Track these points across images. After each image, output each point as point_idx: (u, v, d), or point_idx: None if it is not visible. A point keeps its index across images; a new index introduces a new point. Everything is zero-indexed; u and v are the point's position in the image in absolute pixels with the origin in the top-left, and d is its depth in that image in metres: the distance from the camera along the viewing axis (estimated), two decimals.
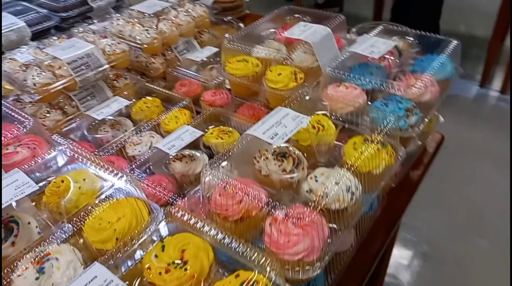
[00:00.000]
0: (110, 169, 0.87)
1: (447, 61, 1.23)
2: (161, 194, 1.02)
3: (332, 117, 1.08)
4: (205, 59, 1.61)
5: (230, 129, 1.27)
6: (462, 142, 3.02)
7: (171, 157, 1.14)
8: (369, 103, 1.13)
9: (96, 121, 1.34)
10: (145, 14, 1.67)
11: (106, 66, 1.38)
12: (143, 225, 0.77)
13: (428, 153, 1.42)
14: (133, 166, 1.14)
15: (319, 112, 1.07)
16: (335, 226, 0.83)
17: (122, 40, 1.53)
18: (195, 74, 1.55)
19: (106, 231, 0.76)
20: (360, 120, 1.07)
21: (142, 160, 1.16)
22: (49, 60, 1.33)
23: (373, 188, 0.93)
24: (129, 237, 0.73)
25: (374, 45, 1.22)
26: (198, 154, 1.19)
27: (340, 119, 1.08)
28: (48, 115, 1.29)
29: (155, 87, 1.46)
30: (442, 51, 1.26)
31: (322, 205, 0.82)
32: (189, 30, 1.68)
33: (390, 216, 1.18)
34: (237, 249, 0.71)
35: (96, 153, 1.19)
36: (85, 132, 1.31)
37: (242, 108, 1.38)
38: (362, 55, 1.22)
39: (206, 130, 1.30)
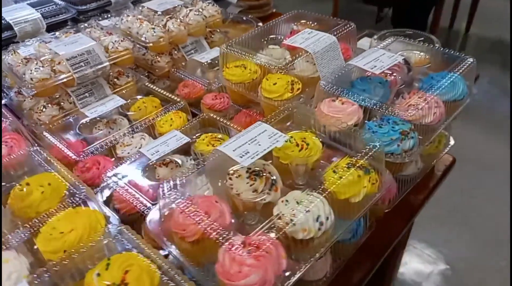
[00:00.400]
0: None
1: (459, 80, 1.12)
2: (134, 203, 0.99)
3: (322, 134, 1.01)
4: (209, 61, 1.57)
5: (222, 136, 1.23)
6: (489, 156, 2.83)
7: (153, 162, 1.11)
8: (367, 122, 1.05)
9: (92, 119, 1.34)
10: (156, 12, 1.65)
11: (106, 63, 1.37)
12: (94, 239, 0.74)
13: (435, 176, 1.31)
14: (115, 169, 1.12)
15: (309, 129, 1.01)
16: (299, 256, 0.77)
17: (129, 38, 1.52)
18: (195, 77, 1.51)
19: (56, 241, 0.74)
20: (352, 140, 0.99)
21: (126, 163, 1.14)
22: (50, 55, 1.33)
23: (351, 216, 0.86)
24: (73, 250, 0.71)
25: (379, 58, 1.14)
26: (184, 160, 1.16)
27: (330, 137, 1.01)
28: (44, 110, 1.30)
29: (154, 87, 1.44)
30: (455, 68, 1.15)
31: (287, 233, 0.76)
32: (199, 30, 1.65)
33: (379, 243, 1.10)
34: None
35: (84, 151, 1.19)
36: (77, 130, 1.31)
37: (239, 115, 1.33)
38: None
39: (197, 135, 1.27)
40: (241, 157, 0.82)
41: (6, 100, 1.42)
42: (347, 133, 0.93)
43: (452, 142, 1.26)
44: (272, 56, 1.31)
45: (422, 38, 1.43)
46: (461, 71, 1.14)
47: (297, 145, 0.93)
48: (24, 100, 1.35)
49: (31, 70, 1.26)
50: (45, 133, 1.19)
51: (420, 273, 2.33)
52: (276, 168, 0.89)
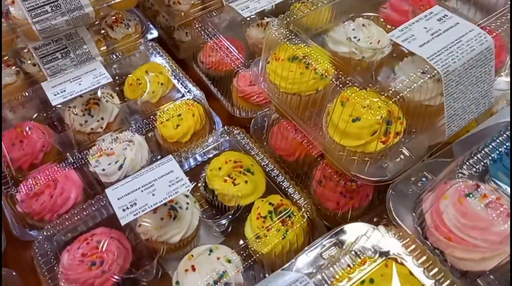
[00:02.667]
0: None
1: None
2: None
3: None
4: (254, 15, 0.98)
5: (252, 167, 0.76)
6: None
7: None
8: None
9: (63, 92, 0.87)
10: None
11: (89, 9, 0.85)
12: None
13: None
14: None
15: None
16: None
17: None
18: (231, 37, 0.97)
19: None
20: None
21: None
22: None
23: None
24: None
25: None
26: None
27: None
28: None
29: (163, 52, 0.93)
30: None
31: None
32: None
33: None
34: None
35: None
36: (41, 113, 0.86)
37: (280, 127, 0.82)
38: None
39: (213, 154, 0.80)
40: None
41: None
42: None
43: None
44: (360, 41, 0.74)
45: None
46: None
47: None
48: None
49: None
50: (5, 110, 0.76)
51: None
52: None
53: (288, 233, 0.66)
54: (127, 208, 0.65)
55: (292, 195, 0.73)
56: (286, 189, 0.74)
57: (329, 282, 0.48)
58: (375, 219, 0.72)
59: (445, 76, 0.59)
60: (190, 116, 0.86)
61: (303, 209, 0.69)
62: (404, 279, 0.48)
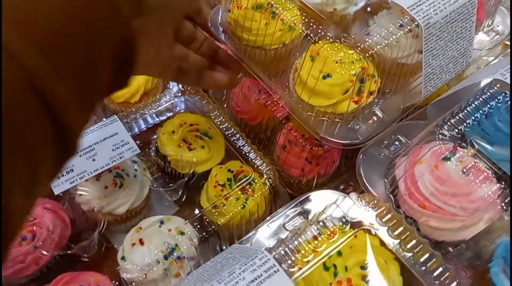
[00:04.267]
0: None
1: None
2: None
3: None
4: None
5: (210, 130, 0.68)
6: None
7: None
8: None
9: None
10: None
11: None
12: None
13: None
14: None
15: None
16: None
17: None
18: None
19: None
20: None
21: None
22: None
23: None
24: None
25: None
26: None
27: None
28: None
29: None
30: None
31: None
32: None
33: None
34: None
35: None
36: None
37: (241, 86, 0.74)
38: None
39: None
40: None
41: None
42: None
43: None
44: None
45: None
46: None
47: None
48: None
49: None
50: None
51: None
52: None
53: (248, 202, 0.59)
54: (62, 175, 0.56)
55: (253, 161, 0.66)
56: (247, 155, 0.67)
57: (293, 258, 0.42)
58: (341, 187, 0.67)
59: (425, 29, 0.53)
60: None
61: (265, 176, 0.63)
62: (377, 252, 0.43)
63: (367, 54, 0.53)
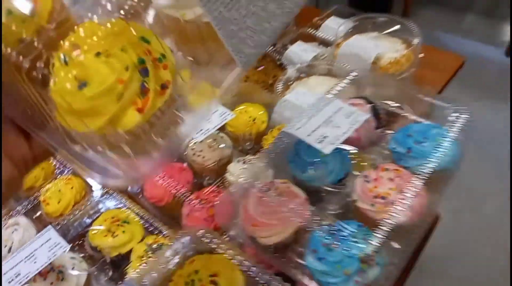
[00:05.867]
0: None
1: (454, 144, 0.77)
2: None
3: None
4: None
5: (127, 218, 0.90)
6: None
7: None
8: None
9: None
10: None
11: None
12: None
13: None
14: None
15: None
16: None
17: None
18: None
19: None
20: None
21: None
22: None
23: None
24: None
25: (333, 119, 0.76)
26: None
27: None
28: None
29: None
30: (445, 121, 0.80)
31: None
32: None
33: None
34: None
35: None
36: None
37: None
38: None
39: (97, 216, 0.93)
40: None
41: None
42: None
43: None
44: None
45: (398, 27, 1.09)
46: (457, 128, 0.78)
47: None
48: None
49: None
50: None
51: None
52: None
53: None
54: (12, 279, 0.75)
55: (165, 233, 0.87)
56: (161, 230, 0.88)
57: None
58: None
59: None
60: (69, 189, 0.97)
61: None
62: None
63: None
